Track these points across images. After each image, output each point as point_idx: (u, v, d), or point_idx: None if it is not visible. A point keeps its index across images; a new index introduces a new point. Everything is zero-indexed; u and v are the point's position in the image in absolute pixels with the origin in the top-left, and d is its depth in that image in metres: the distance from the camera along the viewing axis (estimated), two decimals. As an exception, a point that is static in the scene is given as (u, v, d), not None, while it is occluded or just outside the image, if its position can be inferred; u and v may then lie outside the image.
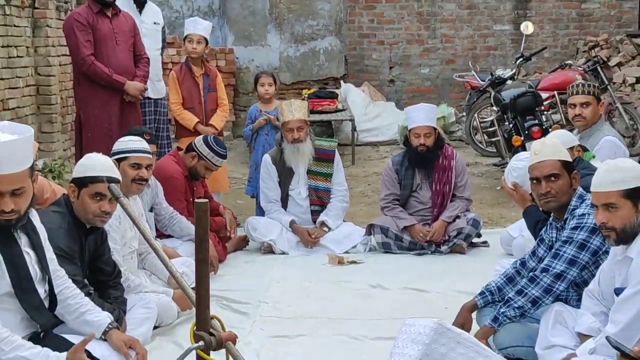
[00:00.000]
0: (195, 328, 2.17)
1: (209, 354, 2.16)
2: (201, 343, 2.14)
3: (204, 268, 2.19)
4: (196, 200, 2.22)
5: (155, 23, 6.64)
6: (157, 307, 4.29)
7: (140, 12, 6.51)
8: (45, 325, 3.35)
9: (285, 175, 6.07)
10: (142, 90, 6.04)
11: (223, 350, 2.25)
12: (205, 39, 6.51)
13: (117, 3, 6.17)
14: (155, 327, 4.26)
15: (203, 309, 2.20)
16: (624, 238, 3.24)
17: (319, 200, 6.14)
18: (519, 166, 4.90)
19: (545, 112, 8.05)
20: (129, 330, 3.89)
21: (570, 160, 4.20)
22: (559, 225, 4.11)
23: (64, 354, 3.01)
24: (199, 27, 6.58)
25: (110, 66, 5.90)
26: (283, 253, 5.88)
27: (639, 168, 3.43)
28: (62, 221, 3.80)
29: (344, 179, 6.35)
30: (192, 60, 6.46)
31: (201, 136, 5.67)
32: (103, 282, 4.02)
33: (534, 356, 3.69)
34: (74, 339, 3.28)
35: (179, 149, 5.91)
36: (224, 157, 5.64)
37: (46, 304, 3.33)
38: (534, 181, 4.12)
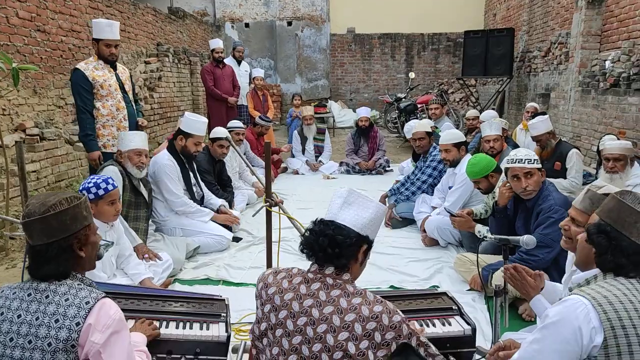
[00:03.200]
0: (265, 197, 2.52)
1: (271, 209, 2.53)
2: (267, 203, 2.49)
3: (269, 173, 2.57)
4: (265, 142, 2.54)
5: (245, 70, 7.79)
6: (247, 195, 5.32)
7: (239, 65, 7.62)
8: (199, 203, 4.14)
9: (303, 139, 7.44)
10: (235, 101, 7.19)
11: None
12: (263, 78, 7.87)
13: (226, 61, 7.27)
14: (247, 204, 5.28)
15: (268, 189, 2.51)
16: (454, 164, 4.21)
17: (318, 151, 7.51)
18: (407, 127, 5.75)
19: (419, 113, 9.61)
20: (235, 205, 4.87)
21: (430, 131, 5.02)
22: (424, 159, 5.00)
23: (212, 212, 4.08)
24: (259, 72, 7.82)
25: (220, 90, 7.07)
26: (303, 174, 7.18)
27: (459, 134, 4.30)
28: (205, 156, 4.73)
29: (330, 142, 7.71)
30: (257, 88, 7.76)
31: (258, 116, 6.79)
32: (223, 184, 4.94)
33: (413, 216, 4.64)
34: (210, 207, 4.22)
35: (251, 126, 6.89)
36: (269, 122, 6.79)
37: (198, 197, 4.21)
38: (413, 140, 5.03)
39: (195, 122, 3.97)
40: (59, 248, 1.48)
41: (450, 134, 4.26)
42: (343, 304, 1.46)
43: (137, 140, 3.40)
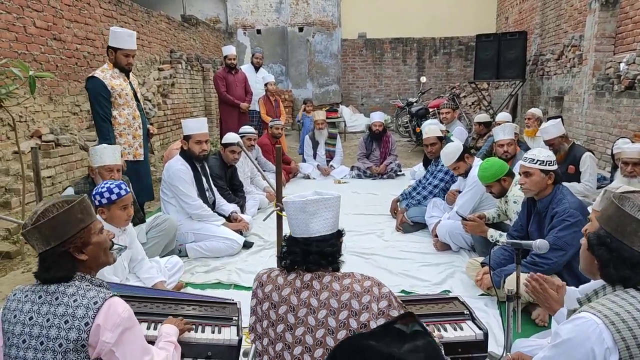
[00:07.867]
0: (275, 202, 2.62)
1: (282, 214, 2.53)
2: (278, 208, 2.57)
3: (279, 179, 2.72)
4: (276, 146, 2.56)
5: (262, 77, 7.71)
6: (259, 200, 5.31)
7: (256, 71, 7.67)
8: (211, 208, 4.14)
9: (315, 144, 7.40)
10: (247, 107, 7.19)
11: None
12: (275, 83, 7.75)
13: (244, 68, 7.35)
14: (259, 208, 5.28)
15: (279, 194, 2.63)
16: (464, 174, 4.15)
17: (329, 156, 7.45)
18: (424, 127, 5.44)
19: (430, 117, 9.35)
20: (246, 209, 4.90)
21: (442, 136, 4.96)
22: (435, 165, 4.92)
23: (222, 219, 4.11)
24: (270, 77, 7.71)
25: (233, 96, 7.07)
26: (314, 178, 7.15)
27: (457, 148, 4.12)
28: (217, 162, 4.78)
29: (341, 146, 7.66)
30: (270, 93, 7.67)
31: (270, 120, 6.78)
32: (235, 189, 4.96)
33: (424, 221, 4.62)
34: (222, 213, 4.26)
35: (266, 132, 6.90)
36: (279, 122, 6.81)
37: (210, 202, 4.21)
38: (425, 145, 4.97)
39: (190, 122, 3.98)
40: (56, 254, 1.49)
41: (448, 154, 4.13)
42: (336, 287, 1.54)
43: (108, 155, 3.30)
